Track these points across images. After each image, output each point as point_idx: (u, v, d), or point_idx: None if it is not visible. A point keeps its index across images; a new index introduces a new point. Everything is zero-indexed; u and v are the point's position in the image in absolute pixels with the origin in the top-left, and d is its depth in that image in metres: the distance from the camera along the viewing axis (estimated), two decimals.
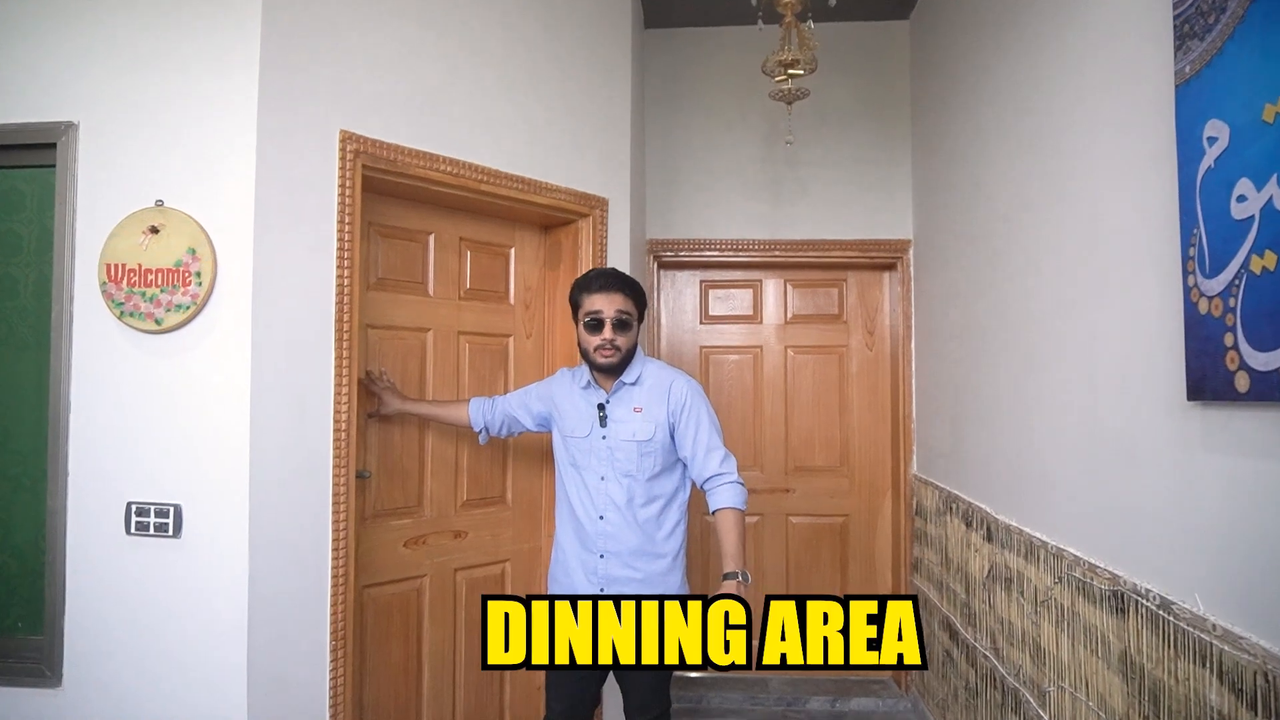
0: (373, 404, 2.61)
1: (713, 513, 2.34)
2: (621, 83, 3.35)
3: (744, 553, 2.27)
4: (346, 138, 2.38)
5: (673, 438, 2.40)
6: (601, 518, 2.40)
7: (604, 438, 2.41)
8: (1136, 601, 1.68)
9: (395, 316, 2.76)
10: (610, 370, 2.42)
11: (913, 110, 3.93)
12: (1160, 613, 1.59)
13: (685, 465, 2.44)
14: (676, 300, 4.21)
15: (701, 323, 4.22)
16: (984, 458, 2.82)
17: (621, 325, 2.38)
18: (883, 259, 3.99)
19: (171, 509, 2.15)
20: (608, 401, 2.44)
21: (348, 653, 2.35)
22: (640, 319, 2.47)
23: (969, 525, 2.90)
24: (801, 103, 3.63)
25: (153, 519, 2.16)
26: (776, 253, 4.00)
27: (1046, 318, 2.26)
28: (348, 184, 2.38)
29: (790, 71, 3.16)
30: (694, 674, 4.08)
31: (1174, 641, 1.54)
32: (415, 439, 2.80)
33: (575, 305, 2.47)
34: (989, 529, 2.67)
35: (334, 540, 2.34)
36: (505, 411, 2.69)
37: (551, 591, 2.55)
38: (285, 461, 2.24)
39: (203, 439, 2.17)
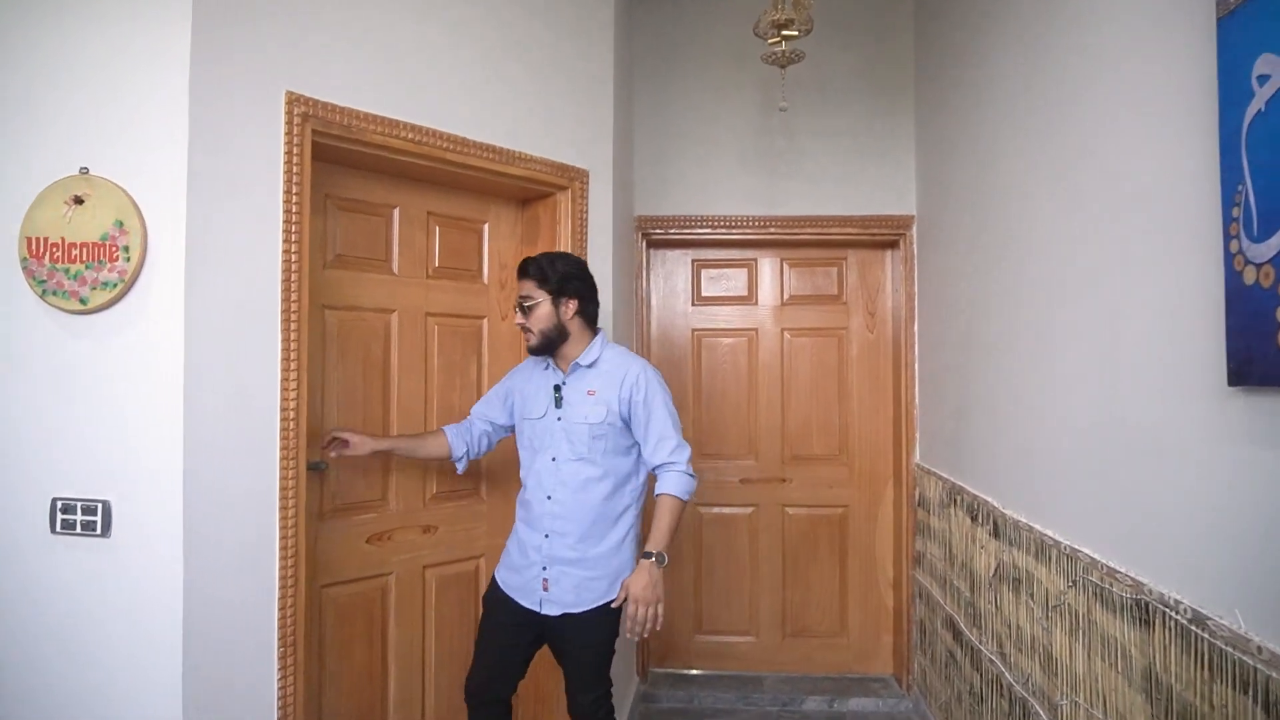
0: (336, 446, 2.40)
1: (656, 496, 2.36)
2: (603, 47, 3.13)
3: (670, 538, 2.32)
4: (293, 100, 2.17)
5: (628, 423, 2.37)
6: (549, 498, 2.37)
7: (559, 419, 2.38)
8: (1164, 613, 1.48)
9: (356, 297, 2.56)
10: (537, 352, 2.41)
11: (916, 74, 3.70)
12: (1192, 628, 1.39)
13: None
14: (667, 281, 4.01)
15: (694, 304, 4.01)
16: (990, 448, 2.62)
17: (524, 310, 2.37)
18: (884, 236, 3.77)
19: (99, 505, 1.96)
20: (564, 383, 2.41)
21: (298, 659, 2.17)
22: (557, 297, 2.36)
23: (974, 519, 2.70)
24: (799, 71, 3.42)
25: (79, 516, 1.97)
26: (772, 230, 3.79)
27: (1062, 295, 2.05)
28: (295, 151, 2.18)
29: (784, 33, 2.94)
30: (689, 671, 3.90)
31: (1209, 661, 1.34)
32: (379, 425, 2.61)
33: None
34: (995, 524, 2.47)
35: (282, 537, 2.15)
36: (481, 421, 2.56)
37: (498, 569, 2.49)
38: (225, 453, 2.04)
39: (133, 429, 1.97)
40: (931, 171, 3.46)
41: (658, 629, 2.31)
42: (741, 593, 3.93)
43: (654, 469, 2.38)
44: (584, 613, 2.32)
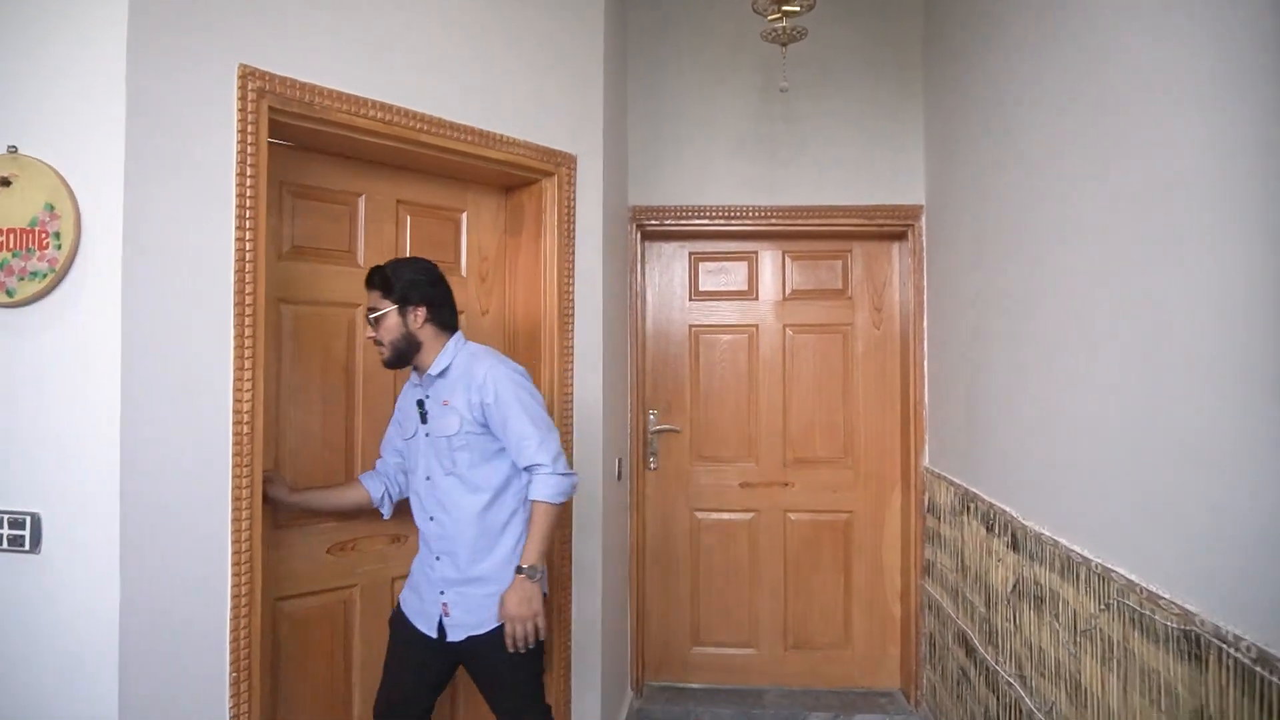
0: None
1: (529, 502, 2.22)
2: (594, 23, 2.94)
3: (543, 547, 2.16)
4: (247, 74, 1.98)
5: (489, 428, 2.20)
6: (431, 519, 2.24)
7: (427, 434, 2.25)
8: (1220, 649, 1.29)
9: (318, 290, 2.37)
10: (391, 365, 2.25)
11: (925, 52, 3.50)
12: (1257, 669, 1.20)
13: None
14: (663, 274, 3.82)
15: (691, 299, 3.82)
16: (1007, 452, 2.43)
17: (372, 322, 2.21)
18: (892, 227, 3.58)
19: (28, 518, 1.77)
20: (426, 397, 2.27)
21: (253, 683, 1.98)
22: (404, 306, 2.19)
23: (989, 529, 2.51)
24: (800, 50, 3.24)
25: (6, 530, 1.78)
26: (774, 220, 3.59)
27: (1089, 284, 1.86)
28: (250, 130, 1.99)
29: (785, 8, 2.76)
30: (686, 684, 3.72)
31: (1278, 710, 1.15)
32: (341, 427, 2.43)
33: None
34: (1014, 536, 2.28)
35: (235, 550, 1.96)
36: (392, 455, 2.39)
37: (403, 589, 2.37)
38: (170, 460, 1.86)
39: (65, 434, 1.79)
40: (941, 157, 3.26)
41: (539, 642, 2.16)
42: (741, 602, 3.74)
43: (523, 472, 2.21)
44: (489, 633, 2.17)
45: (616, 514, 3.30)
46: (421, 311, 2.19)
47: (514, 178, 2.72)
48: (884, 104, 3.55)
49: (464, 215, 2.74)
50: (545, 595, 2.19)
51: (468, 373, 2.20)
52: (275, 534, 2.26)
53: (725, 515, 3.77)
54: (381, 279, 2.19)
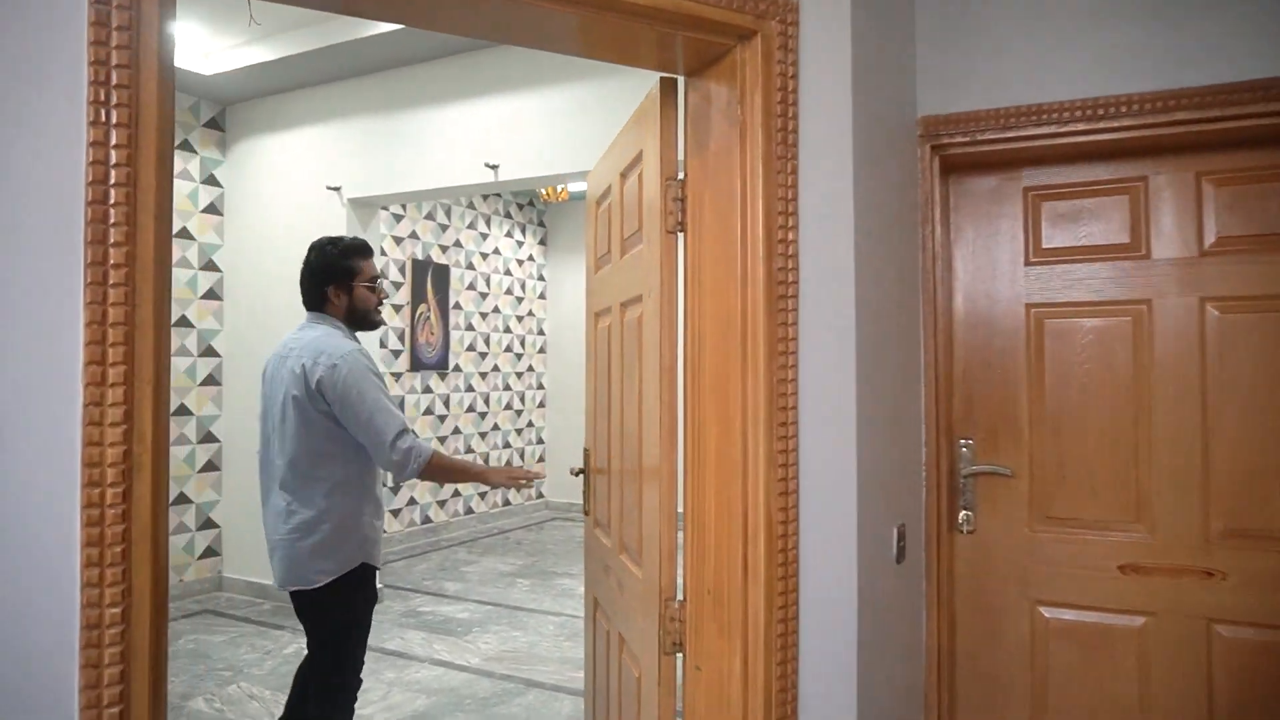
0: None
1: None
2: None
3: None
4: None
5: None
6: None
7: None
8: None
9: None
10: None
11: None
12: None
13: None
14: (978, 225, 2.43)
15: (1029, 262, 2.38)
16: None
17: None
18: None
19: None
20: None
21: None
22: None
23: None
24: None
25: None
26: (1179, 118, 2.07)
27: None
28: None
29: None
30: None
31: None
32: None
33: (352, 270, 2.50)
34: None
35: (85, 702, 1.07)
36: None
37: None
38: None
39: None
40: None
41: None
42: None
43: None
44: None
45: (895, 616, 2.01)
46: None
47: (690, 47, 1.60)
48: None
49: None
50: None
51: None
52: None
53: (1093, 616, 2.27)
54: None
